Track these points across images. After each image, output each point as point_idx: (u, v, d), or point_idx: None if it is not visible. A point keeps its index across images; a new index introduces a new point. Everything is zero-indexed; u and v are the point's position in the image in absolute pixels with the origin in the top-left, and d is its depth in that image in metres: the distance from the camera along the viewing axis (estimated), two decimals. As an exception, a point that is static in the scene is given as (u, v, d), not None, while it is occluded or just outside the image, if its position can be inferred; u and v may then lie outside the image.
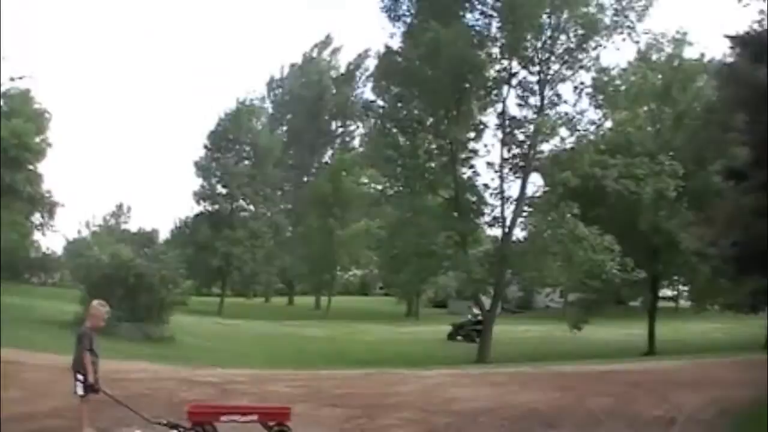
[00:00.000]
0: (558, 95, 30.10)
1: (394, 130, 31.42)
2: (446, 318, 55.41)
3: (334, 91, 79.20)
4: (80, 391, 8.94)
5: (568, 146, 29.81)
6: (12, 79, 69.53)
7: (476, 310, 39.98)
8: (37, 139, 65.16)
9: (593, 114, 30.27)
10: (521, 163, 29.95)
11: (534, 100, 30.00)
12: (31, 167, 65.23)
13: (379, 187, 42.42)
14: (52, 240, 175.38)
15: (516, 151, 30.15)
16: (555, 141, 30.12)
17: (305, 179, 77.63)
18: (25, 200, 63.73)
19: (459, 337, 39.80)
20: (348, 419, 11.12)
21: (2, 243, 48.03)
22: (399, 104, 30.98)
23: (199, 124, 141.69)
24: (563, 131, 29.67)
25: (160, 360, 19.65)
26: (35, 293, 47.31)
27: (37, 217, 70.52)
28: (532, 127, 29.32)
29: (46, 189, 69.72)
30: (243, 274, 62.67)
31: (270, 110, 76.58)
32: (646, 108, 33.04)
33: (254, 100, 67.86)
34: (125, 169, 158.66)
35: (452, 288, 61.67)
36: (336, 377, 17.36)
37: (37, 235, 71.74)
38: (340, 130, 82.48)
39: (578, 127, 29.84)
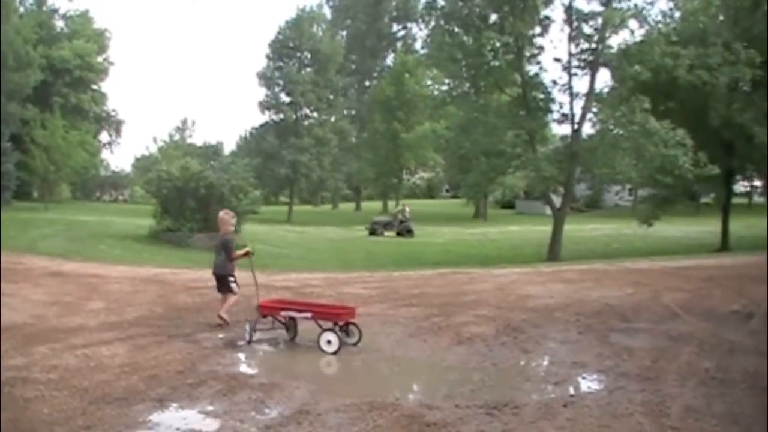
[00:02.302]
0: (627, -14, 28.98)
1: (457, 30, 30.81)
2: (514, 218, 55.45)
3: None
4: (236, 288, 10.96)
5: (638, 39, 28.88)
6: (71, 0, 69.89)
7: (408, 209, 45.38)
8: (99, 59, 66.34)
9: (664, 5, 29.27)
10: (589, 58, 29.09)
11: (602, -7, 29.01)
12: (95, 87, 66.56)
13: (444, 88, 42.02)
14: (120, 157, 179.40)
15: (584, 45, 29.24)
16: (624, 34, 29.25)
17: (368, 84, 77.29)
18: (91, 120, 65.24)
19: (398, 233, 42.62)
20: (425, 318, 11.29)
21: (73, 163, 49.32)
22: (461, 2, 30.31)
23: (259, 34, 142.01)
24: (632, 23, 28.65)
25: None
26: (108, 210, 48.79)
27: (104, 136, 72.40)
28: (600, 20, 28.41)
29: (112, 108, 71.48)
30: (310, 182, 63.47)
31: (329, 16, 75.76)
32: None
33: (313, 6, 67.48)
34: (187, 83, 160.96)
35: (520, 188, 61.46)
36: (410, 278, 17.55)
37: (105, 154, 73.73)
38: (402, 32, 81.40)
39: (648, 19, 28.86)
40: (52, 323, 10.47)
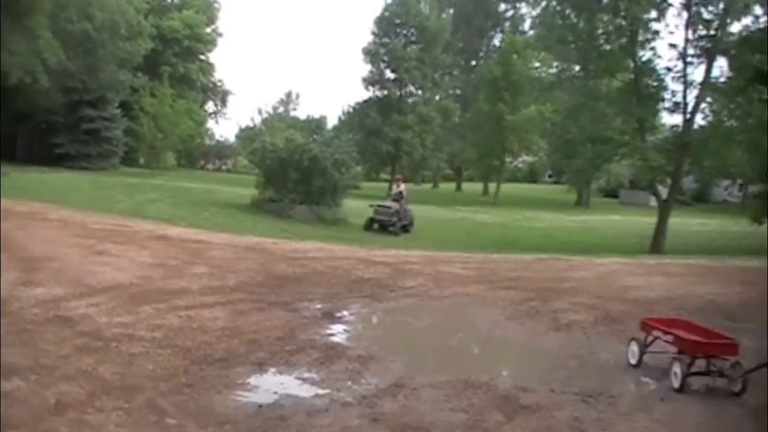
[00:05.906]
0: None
1: (569, 11, 30.19)
2: (617, 207, 54.30)
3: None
4: None
5: (762, 26, 27.62)
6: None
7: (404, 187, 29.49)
8: (208, 30, 67.62)
9: (793, -11, 27.88)
10: (707, 45, 28.00)
11: (726, -25, 27.85)
12: (203, 57, 67.99)
13: (552, 71, 41.28)
14: (225, 128, 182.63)
15: (702, 32, 28.17)
16: (747, 20, 27.96)
17: (474, 63, 76.57)
18: (198, 89, 66.77)
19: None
20: (522, 301, 11.21)
21: (179, 131, 50.63)
22: (574, -17, 29.70)
23: (365, 10, 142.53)
24: (757, 9, 27.44)
25: (334, 241, 20.31)
26: (211, 178, 49.93)
27: (210, 106, 74.05)
28: (721, 5, 27.31)
29: (218, 78, 72.92)
30: (412, 159, 63.25)
31: (436, -7, 75.21)
32: None
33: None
34: (293, 56, 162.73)
35: (625, 177, 60.09)
36: (509, 261, 17.41)
37: (210, 123, 75.43)
38: (510, 12, 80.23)
39: (775, 5, 27.58)
40: (157, 285, 10.81)
